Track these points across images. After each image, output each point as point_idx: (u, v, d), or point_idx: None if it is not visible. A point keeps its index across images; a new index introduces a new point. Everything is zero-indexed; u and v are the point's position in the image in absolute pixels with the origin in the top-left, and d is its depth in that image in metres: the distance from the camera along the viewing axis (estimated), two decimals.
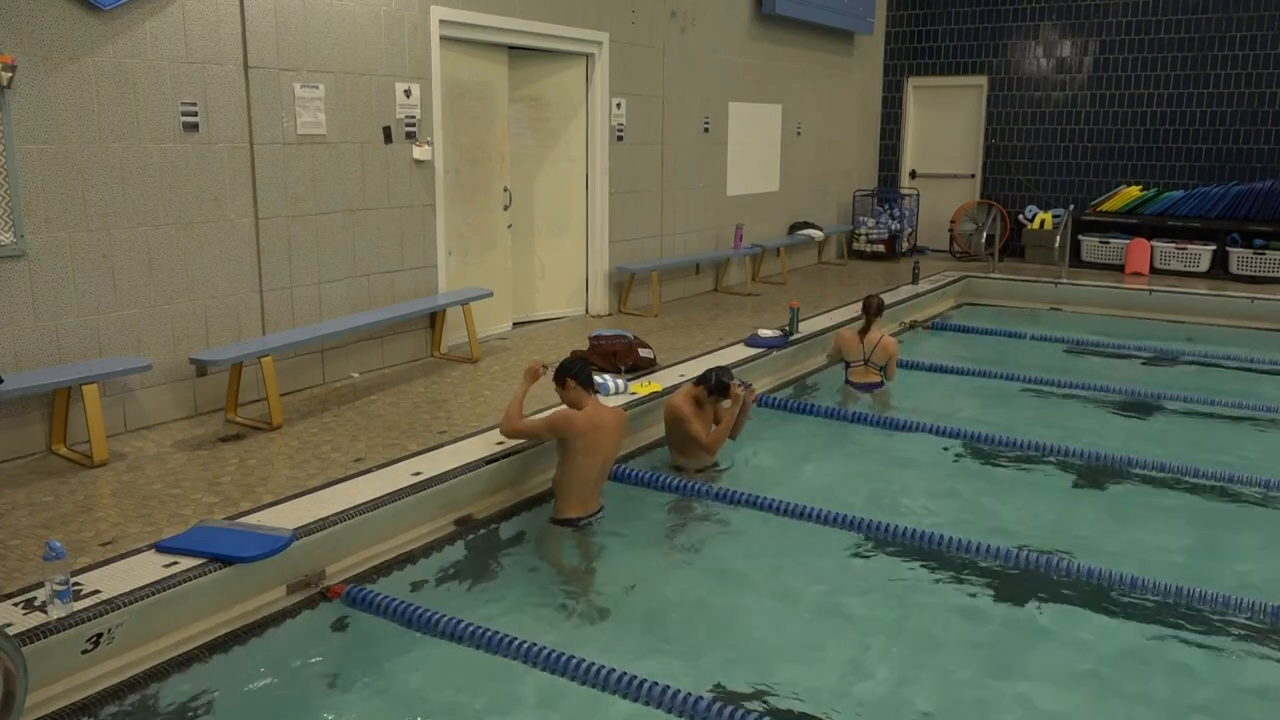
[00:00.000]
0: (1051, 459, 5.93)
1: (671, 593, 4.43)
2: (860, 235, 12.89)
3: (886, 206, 12.98)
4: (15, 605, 3.33)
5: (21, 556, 3.79)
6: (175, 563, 3.66)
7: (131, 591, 3.45)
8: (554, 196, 8.66)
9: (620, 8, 8.64)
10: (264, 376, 5.49)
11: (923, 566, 4.62)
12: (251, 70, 5.73)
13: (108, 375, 4.98)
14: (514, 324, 8.27)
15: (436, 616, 3.81)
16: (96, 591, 3.43)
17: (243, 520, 4.08)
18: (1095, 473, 5.78)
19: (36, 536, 3.95)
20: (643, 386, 6.17)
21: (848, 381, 7.16)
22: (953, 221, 13.23)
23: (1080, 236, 12.18)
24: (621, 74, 8.74)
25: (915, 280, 10.71)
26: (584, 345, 7.00)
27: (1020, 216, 12.92)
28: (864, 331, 7.06)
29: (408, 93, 6.71)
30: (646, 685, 3.38)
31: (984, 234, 12.88)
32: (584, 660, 3.53)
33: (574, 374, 4.78)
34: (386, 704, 3.57)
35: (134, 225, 5.27)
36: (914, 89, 13.69)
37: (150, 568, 3.63)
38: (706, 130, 10.02)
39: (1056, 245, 11.48)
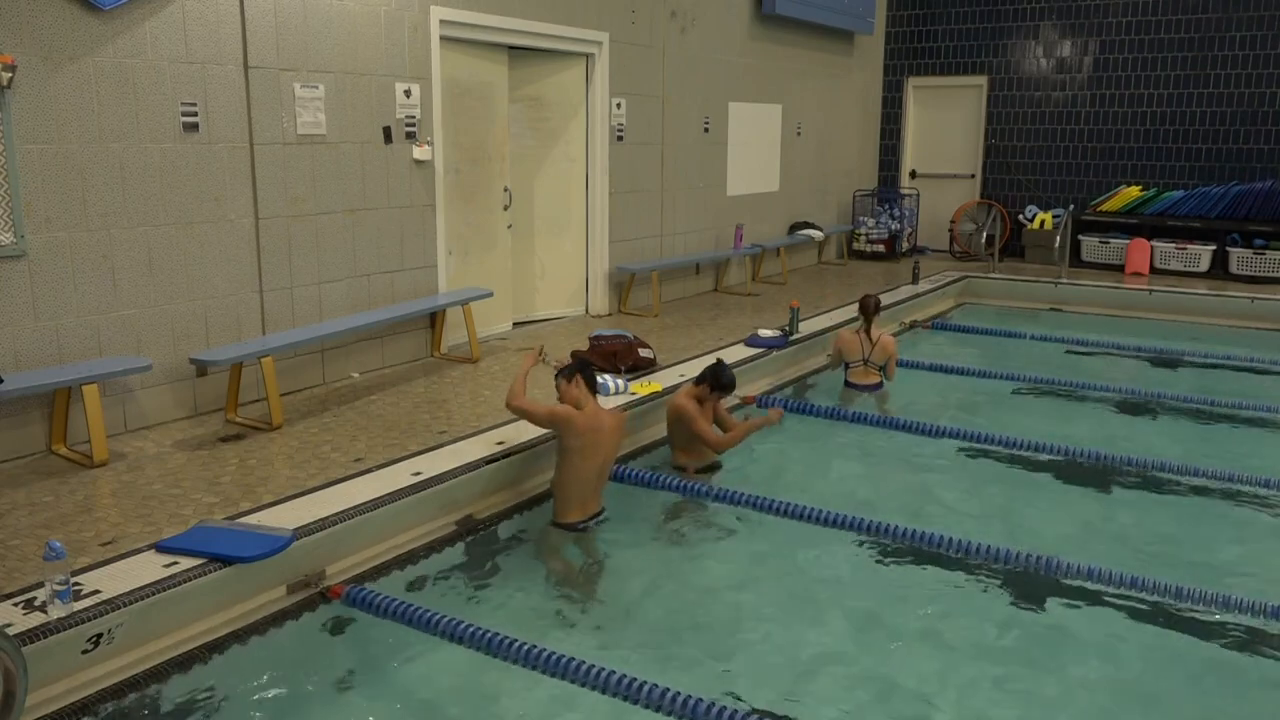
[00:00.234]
0: (1051, 459, 5.93)
1: (671, 593, 4.43)
2: (860, 235, 12.89)
3: (886, 206, 12.99)
4: (15, 605, 3.33)
5: (21, 556, 3.79)
6: (175, 563, 3.66)
7: (131, 591, 3.45)
8: (554, 196, 8.66)
9: (620, 8, 8.64)
10: (264, 376, 5.49)
11: (923, 567, 4.62)
12: (251, 70, 5.73)
13: (108, 375, 4.98)
14: (514, 324, 8.27)
15: (436, 617, 3.80)
16: (96, 591, 3.43)
17: (243, 520, 4.08)
18: (1095, 473, 5.78)
19: (36, 536, 3.95)
20: (643, 386, 6.17)
21: (847, 382, 7.16)
22: (953, 221, 13.23)
23: (1080, 236, 12.18)
24: (621, 74, 8.74)
25: (915, 280, 10.71)
26: (584, 345, 7.00)
27: (1020, 216, 12.92)
28: (865, 331, 7.05)
29: (408, 93, 6.71)
30: (646, 687, 3.38)
31: (984, 234, 12.88)
32: (583, 661, 3.53)
33: (582, 373, 4.79)
34: (386, 704, 3.57)
35: (134, 225, 5.27)
36: (914, 89, 13.69)
37: (150, 568, 3.63)
38: (706, 130, 10.02)
39: (1056, 245, 11.48)
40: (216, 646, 3.61)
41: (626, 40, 8.76)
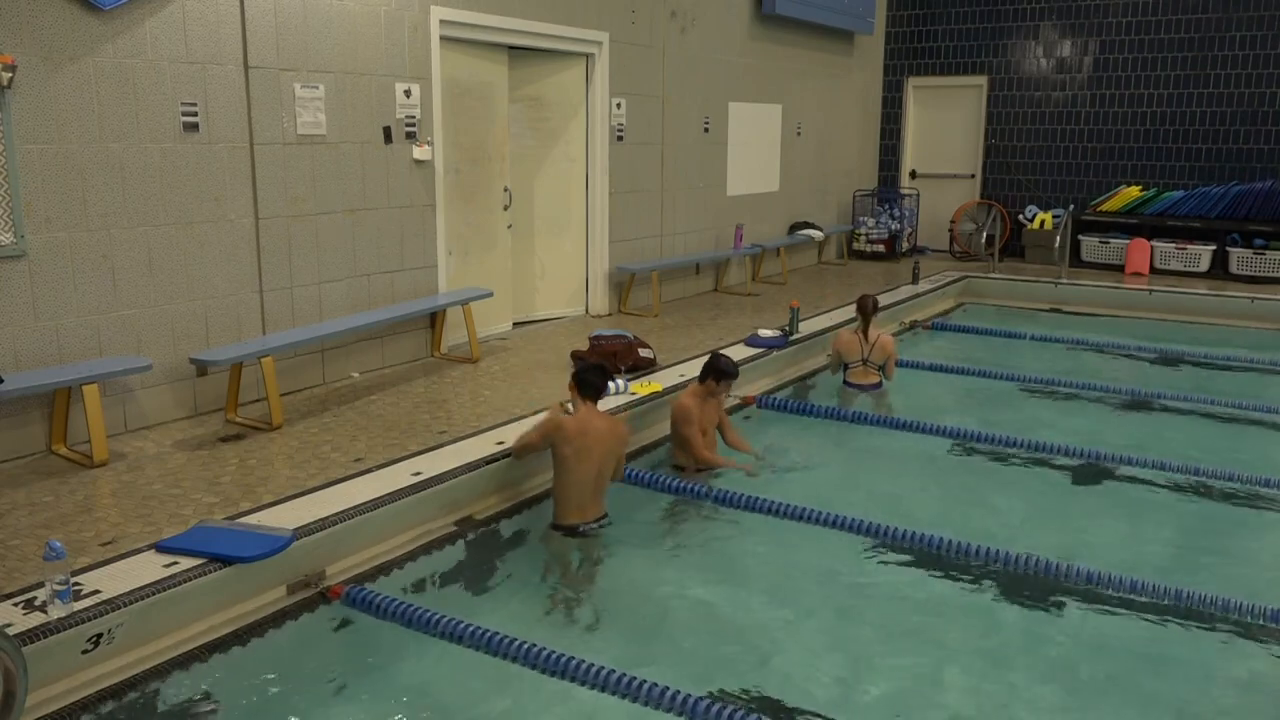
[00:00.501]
0: (1051, 459, 5.93)
1: (670, 594, 4.43)
2: (860, 235, 12.89)
3: (886, 206, 12.99)
4: (15, 605, 3.33)
5: (21, 556, 3.79)
6: (175, 563, 3.66)
7: (131, 591, 3.45)
8: (554, 196, 8.66)
9: (620, 8, 8.64)
10: (264, 376, 5.49)
11: (923, 568, 4.62)
12: (251, 70, 5.73)
13: (108, 375, 4.98)
14: (514, 324, 8.27)
15: (436, 617, 3.80)
16: (96, 591, 3.43)
17: (243, 520, 4.08)
18: (1095, 473, 5.78)
19: (36, 536, 3.95)
20: (643, 386, 6.17)
21: (847, 382, 7.16)
22: (953, 221, 13.23)
23: (1080, 236, 12.18)
24: (621, 74, 8.74)
25: (915, 280, 10.71)
26: (584, 345, 7.00)
27: (1020, 216, 12.92)
28: (862, 332, 7.05)
29: (408, 93, 6.71)
30: (646, 686, 3.38)
31: (984, 234, 12.88)
32: (583, 661, 3.53)
33: (578, 377, 4.80)
34: (386, 704, 3.57)
35: (134, 225, 5.27)
36: (914, 89, 13.69)
37: (150, 568, 3.63)
38: (706, 130, 10.02)
39: (1056, 245, 11.48)
40: (217, 646, 3.61)
41: (626, 40, 8.76)
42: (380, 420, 5.60)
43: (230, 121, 5.66)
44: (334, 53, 6.19)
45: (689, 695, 3.34)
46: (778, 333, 7.69)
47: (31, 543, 3.90)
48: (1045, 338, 9.19)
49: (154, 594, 3.48)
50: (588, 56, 8.50)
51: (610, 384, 5.99)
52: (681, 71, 9.51)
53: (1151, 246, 11.82)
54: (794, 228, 11.75)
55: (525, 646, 3.62)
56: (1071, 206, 12.17)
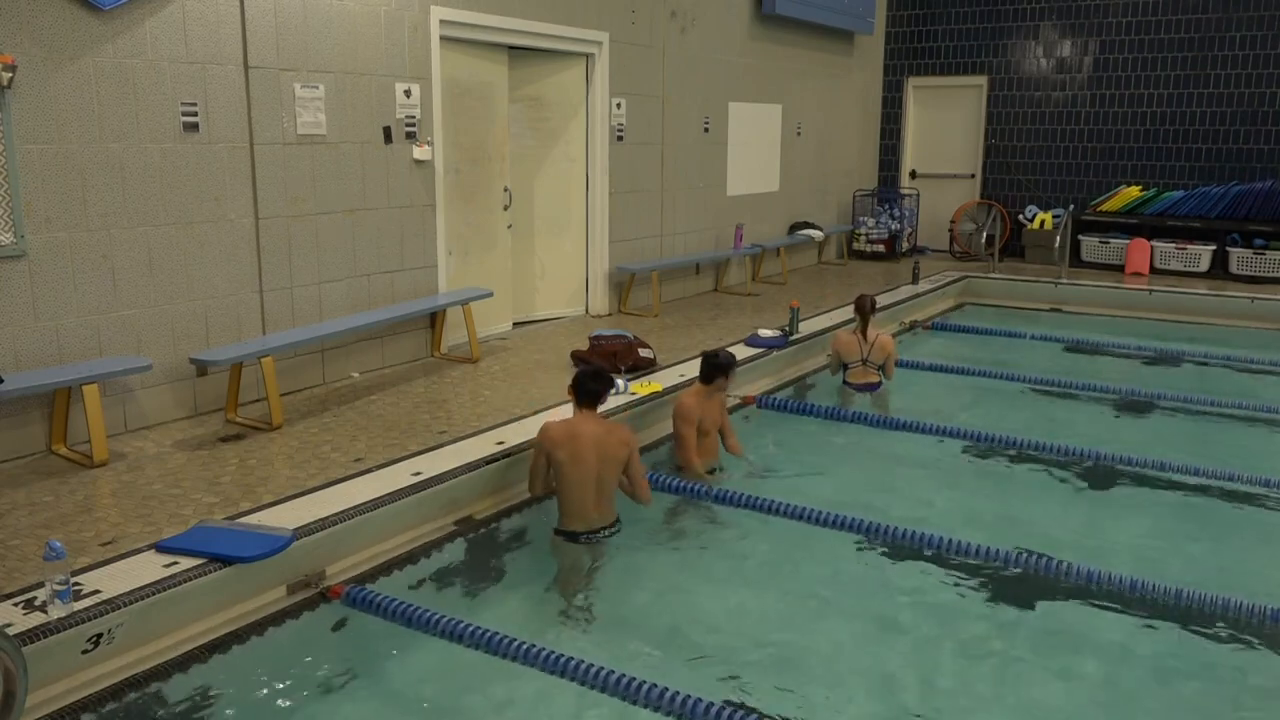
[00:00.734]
0: (1051, 459, 5.93)
1: (670, 594, 4.43)
2: (860, 235, 12.89)
3: (886, 206, 12.99)
4: (15, 605, 3.33)
5: (21, 556, 3.79)
6: (175, 563, 3.66)
7: (131, 591, 3.45)
8: (554, 196, 8.66)
9: (620, 8, 8.64)
10: (264, 376, 5.49)
11: (923, 568, 4.61)
12: (251, 70, 5.73)
13: (108, 375, 4.98)
14: (514, 324, 8.27)
15: (436, 617, 3.80)
16: (96, 591, 3.43)
17: (243, 520, 4.08)
18: (1095, 473, 5.78)
19: (36, 536, 3.96)
20: (643, 386, 6.16)
21: (846, 382, 7.16)
22: (953, 221, 13.23)
23: (1080, 236, 12.18)
24: (621, 74, 8.74)
25: (915, 280, 10.71)
26: (584, 345, 7.00)
27: (1020, 216, 12.92)
28: (861, 332, 7.05)
29: (408, 93, 6.71)
30: (645, 686, 3.38)
31: (984, 234, 12.88)
32: (583, 661, 3.53)
33: (574, 381, 4.75)
34: (386, 704, 3.57)
35: (134, 225, 5.27)
36: (914, 89, 13.70)
37: (150, 568, 3.63)
38: (706, 130, 10.02)
39: (1056, 245, 11.48)
40: (217, 646, 3.61)
41: (626, 40, 8.76)
42: (380, 420, 5.60)
43: (230, 121, 5.66)
44: (334, 53, 6.19)
45: (688, 695, 3.33)
46: (778, 333, 7.69)
47: (31, 543, 3.90)
48: (1045, 338, 9.19)
49: (154, 594, 3.48)
50: (588, 56, 8.50)
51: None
52: (681, 71, 9.51)
53: (1151, 246, 11.82)
54: (794, 228, 11.76)
55: (525, 646, 3.62)
56: (1071, 206, 12.17)
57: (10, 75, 4.65)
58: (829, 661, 3.94)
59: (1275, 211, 11.35)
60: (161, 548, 3.78)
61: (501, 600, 4.31)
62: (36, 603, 3.32)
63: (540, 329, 8.27)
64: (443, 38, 6.98)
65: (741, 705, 3.44)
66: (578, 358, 6.90)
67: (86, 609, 3.31)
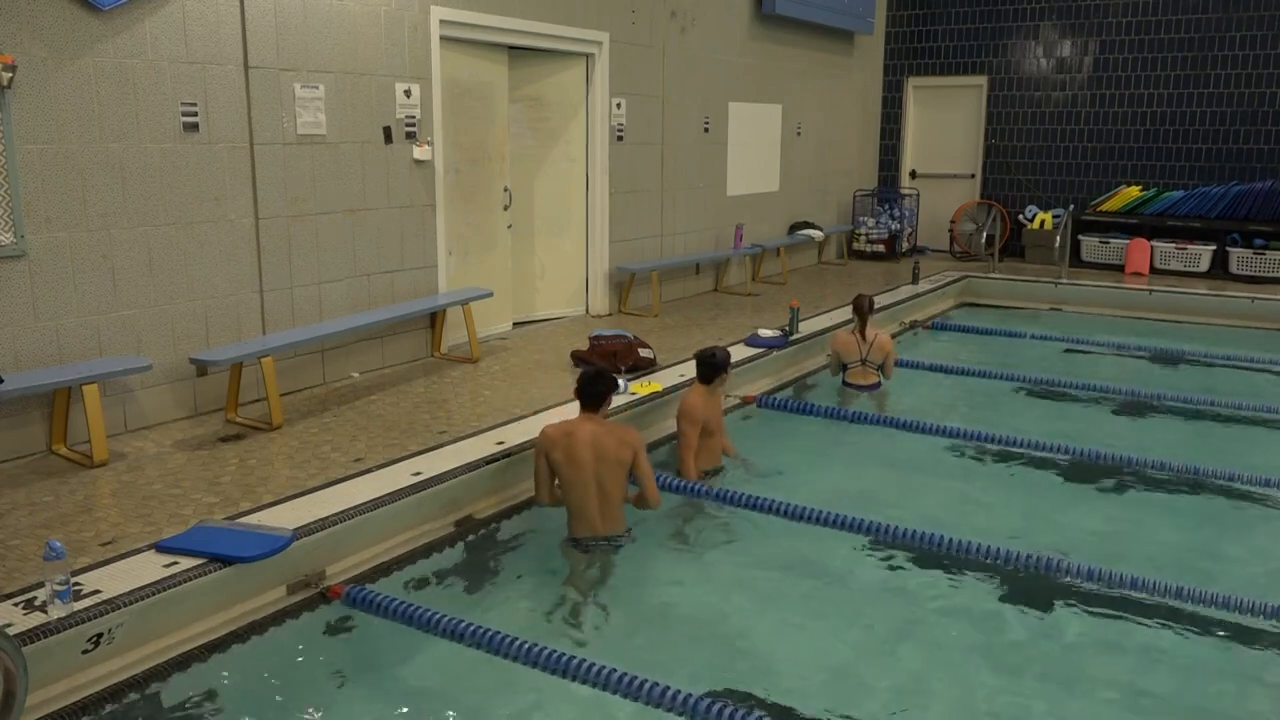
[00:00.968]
0: (1051, 459, 5.93)
1: (670, 593, 4.43)
2: (860, 235, 12.89)
3: (886, 206, 12.99)
4: (15, 605, 3.33)
5: (21, 556, 3.79)
6: (175, 563, 3.66)
7: (131, 591, 3.45)
8: (554, 196, 8.66)
9: (620, 8, 8.64)
10: (264, 376, 5.49)
11: (923, 567, 4.62)
12: (251, 70, 5.73)
13: (108, 375, 4.98)
14: (514, 324, 8.27)
15: (436, 616, 3.80)
16: (96, 591, 3.43)
17: (243, 520, 4.08)
18: (1095, 473, 5.78)
19: (36, 536, 3.95)
20: (643, 386, 6.16)
21: (846, 383, 7.16)
22: (953, 221, 13.23)
23: (1080, 236, 12.18)
24: (621, 74, 8.74)
25: (915, 280, 10.71)
26: (584, 345, 7.00)
27: (1020, 216, 12.92)
28: (859, 332, 7.05)
29: (408, 93, 6.71)
30: (647, 685, 3.38)
31: (984, 234, 12.88)
32: (584, 660, 3.53)
33: (577, 382, 4.70)
34: (387, 704, 3.57)
35: (134, 225, 5.27)
36: (914, 89, 13.70)
37: (150, 568, 3.63)
38: (706, 130, 10.02)
39: (1056, 245, 11.48)
40: (217, 646, 3.61)
41: (626, 40, 8.76)
42: (380, 420, 5.60)
43: (230, 121, 5.66)
44: (334, 53, 6.19)
45: (690, 694, 3.34)
46: (778, 333, 7.69)
47: (31, 543, 3.90)
48: (1045, 338, 9.19)
49: (154, 594, 3.48)
50: (588, 56, 8.50)
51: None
52: (681, 71, 9.51)
53: (1151, 246, 11.82)
54: (794, 228, 11.76)
55: (526, 645, 3.62)
56: (1071, 206, 12.17)
57: (10, 75, 4.65)
58: (829, 661, 3.94)
59: (1275, 211, 11.35)
60: (161, 548, 3.78)
61: (502, 600, 4.31)
62: (36, 603, 3.32)
63: (540, 329, 8.27)
64: (443, 38, 6.98)
65: (743, 704, 3.44)
66: (578, 358, 6.90)
67: (86, 609, 3.31)
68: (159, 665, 3.46)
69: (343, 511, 4.18)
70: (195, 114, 5.47)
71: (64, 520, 4.15)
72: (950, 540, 4.63)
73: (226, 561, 3.69)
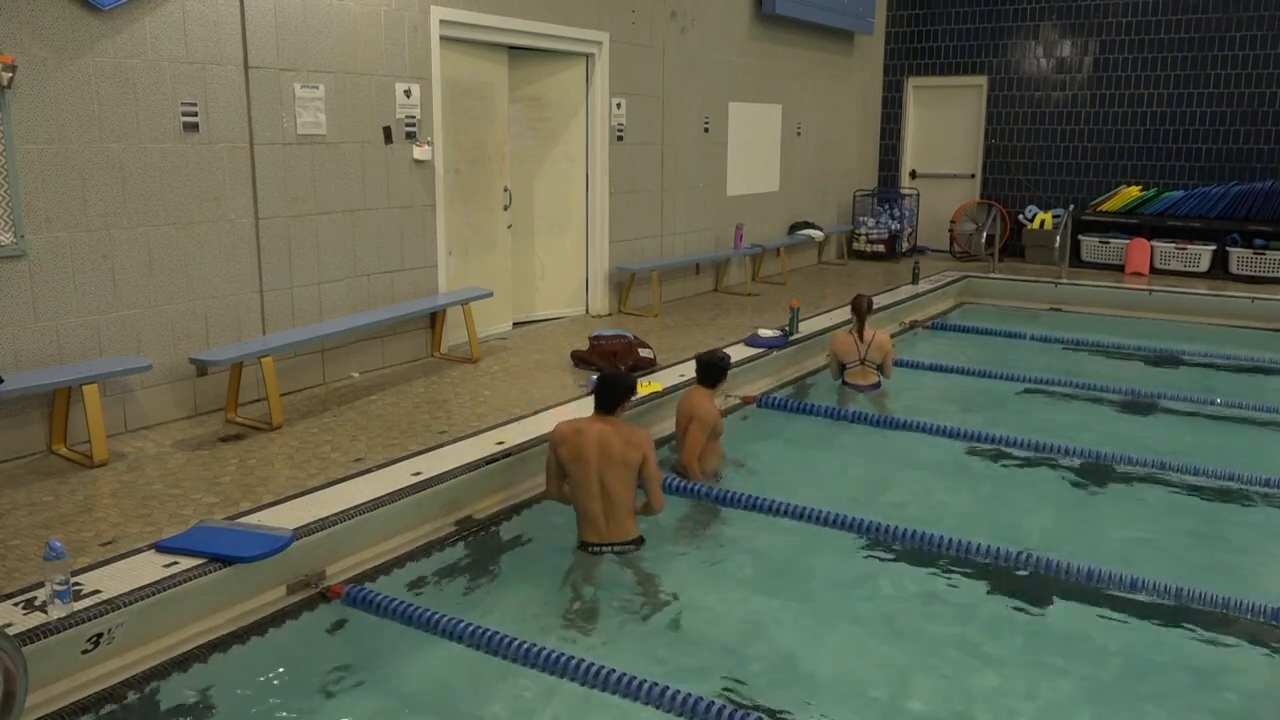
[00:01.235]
0: (1051, 459, 5.93)
1: (670, 594, 4.43)
2: (860, 235, 12.89)
3: (886, 206, 12.99)
4: (15, 605, 3.33)
5: (21, 556, 3.79)
6: (175, 563, 3.66)
7: (131, 591, 3.45)
8: (554, 196, 8.66)
9: (620, 8, 8.64)
10: (264, 376, 5.49)
11: (923, 567, 4.62)
12: (251, 70, 5.73)
13: (108, 375, 4.98)
14: (514, 324, 8.27)
15: (436, 616, 3.80)
16: (96, 591, 3.43)
17: (243, 520, 4.08)
18: (1095, 473, 5.78)
19: (36, 536, 3.95)
20: (643, 386, 6.16)
21: (845, 383, 7.16)
22: (953, 221, 13.23)
23: (1080, 236, 12.18)
24: (621, 74, 8.74)
25: (915, 280, 10.71)
26: (584, 345, 7.00)
27: (1020, 216, 12.92)
28: (857, 332, 7.05)
29: (408, 93, 6.71)
30: (646, 686, 3.38)
31: (984, 234, 12.88)
32: (583, 660, 3.53)
33: (595, 383, 4.67)
34: (387, 704, 3.57)
35: (134, 225, 5.27)
36: (914, 89, 13.70)
37: (150, 568, 3.63)
38: (706, 130, 10.02)
39: (1056, 245, 11.48)
40: (216, 646, 3.61)
41: (626, 40, 8.76)
42: (380, 420, 5.60)
43: (230, 121, 5.66)
44: (334, 53, 6.19)
45: (689, 694, 3.33)
46: (778, 333, 7.69)
47: (31, 543, 3.90)
48: (1045, 338, 9.19)
49: (154, 594, 3.48)
50: (588, 56, 8.50)
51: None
52: (681, 71, 9.51)
53: (1151, 246, 11.82)
54: (794, 228, 11.76)
55: (525, 645, 3.62)
56: (1071, 206, 12.17)
57: (10, 75, 4.65)
58: (829, 661, 3.94)
59: (1275, 211, 11.35)
60: (161, 548, 3.78)
61: (502, 600, 4.31)
62: (36, 603, 3.32)
63: (540, 329, 8.27)
64: (443, 38, 6.98)
65: (743, 704, 3.44)
66: (578, 358, 6.90)
67: (86, 609, 3.31)
68: (159, 665, 3.46)
69: (343, 511, 4.19)
70: (195, 114, 5.47)
71: (64, 520, 4.15)
72: (950, 540, 4.63)
73: (226, 561, 3.69)
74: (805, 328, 8.04)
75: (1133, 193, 12.19)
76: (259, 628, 3.75)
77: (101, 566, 3.65)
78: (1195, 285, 11.00)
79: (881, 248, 12.78)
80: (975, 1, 12.96)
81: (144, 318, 5.38)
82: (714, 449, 5.53)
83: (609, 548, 4.55)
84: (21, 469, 4.77)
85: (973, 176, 13.39)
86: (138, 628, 3.45)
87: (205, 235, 5.61)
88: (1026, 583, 4.43)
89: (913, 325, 9.48)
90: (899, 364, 7.35)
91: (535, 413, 5.67)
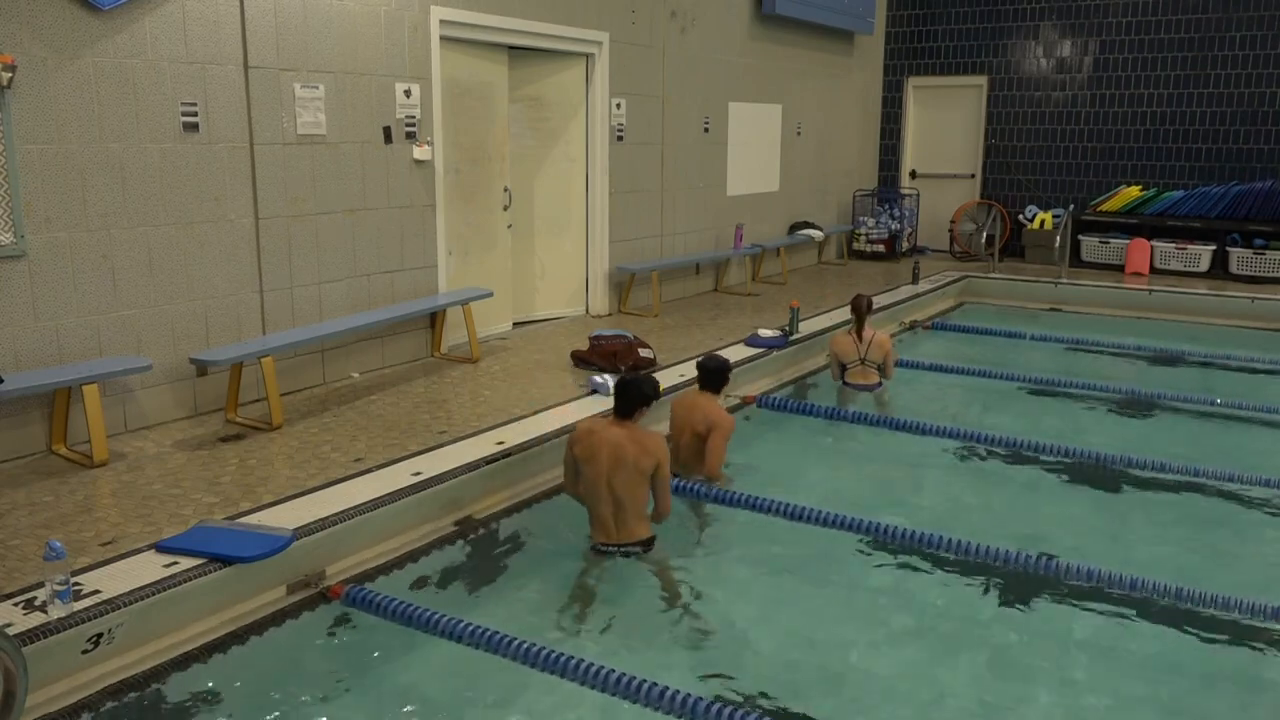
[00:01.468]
0: (1051, 459, 5.93)
1: (669, 594, 4.43)
2: (860, 235, 12.89)
3: (886, 206, 12.99)
4: (15, 605, 3.33)
5: (21, 556, 3.79)
6: (175, 563, 3.66)
7: (131, 591, 3.45)
8: (554, 196, 8.66)
9: (620, 8, 8.64)
10: (264, 376, 5.49)
11: (922, 567, 4.62)
12: (251, 70, 5.73)
13: (108, 375, 4.98)
14: (514, 324, 8.27)
15: (436, 616, 3.80)
16: (96, 591, 3.43)
17: (243, 520, 4.08)
18: (1095, 473, 5.78)
19: (36, 536, 3.96)
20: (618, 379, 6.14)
21: (846, 383, 7.15)
22: (953, 221, 13.23)
23: (1080, 236, 12.18)
24: (621, 74, 8.74)
25: (915, 280, 10.71)
26: (584, 345, 7.00)
27: (1020, 216, 12.92)
28: (856, 332, 7.04)
29: (408, 93, 6.71)
30: (646, 686, 3.38)
31: (984, 234, 12.88)
32: (583, 660, 3.53)
33: (614, 387, 4.63)
34: (386, 704, 3.57)
35: (134, 225, 5.27)
36: (914, 89, 13.70)
37: (150, 568, 3.63)
38: (706, 130, 10.02)
39: (1056, 245, 11.48)
40: (216, 646, 3.61)
41: (626, 40, 8.76)
42: (380, 420, 5.60)
43: (230, 121, 5.66)
44: (334, 53, 6.19)
45: (689, 695, 3.34)
46: (778, 333, 7.69)
47: (31, 543, 3.90)
48: (1045, 338, 9.19)
49: (154, 594, 3.48)
50: (588, 56, 8.50)
51: (612, 383, 5.99)
52: (681, 71, 9.51)
53: (1151, 246, 11.82)
54: (794, 228, 11.76)
55: (525, 646, 3.62)
56: (1071, 206, 12.18)
57: (10, 75, 4.65)
58: (828, 661, 3.94)
59: (1275, 211, 11.35)
60: (161, 548, 3.78)
61: (501, 600, 4.31)
62: (36, 603, 3.32)
63: (540, 329, 8.27)
64: (443, 38, 6.98)
65: (742, 705, 3.44)
66: (578, 358, 6.91)
67: (86, 609, 3.32)
68: (159, 665, 3.46)
69: (343, 511, 4.19)
70: (195, 114, 5.47)
71: (64, 520, 4.15)
72: (950, 540, 4.63)
73: (226, 561, 3.69)
74: (805, 328, 8.04)
75: (1133, 193, 12.19)
76: (259, 628, 3.75)
77: (101, 566, 3.65)
78: (1195, 285, 11.00)
79: (881, 248, 12.78)
80: (975, 1, 12.96)
81: (144, 318, 5.38)
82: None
83: (617, 549, 4.54)
84: (21, 469, 4.77)
85: (973, 176, 13.39)
86: (138, 628, 3.45)
87: (205, 235, 5.61)
88: (1025, 583, 4.43)
89: (913, 325, 9.48)
90: (899, 364, 7.35)
91: (535, 413, 5.68)
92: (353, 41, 6.30)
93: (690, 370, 6.35)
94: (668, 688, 3.37)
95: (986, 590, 4.43)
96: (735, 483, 5.44)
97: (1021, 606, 4.30)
